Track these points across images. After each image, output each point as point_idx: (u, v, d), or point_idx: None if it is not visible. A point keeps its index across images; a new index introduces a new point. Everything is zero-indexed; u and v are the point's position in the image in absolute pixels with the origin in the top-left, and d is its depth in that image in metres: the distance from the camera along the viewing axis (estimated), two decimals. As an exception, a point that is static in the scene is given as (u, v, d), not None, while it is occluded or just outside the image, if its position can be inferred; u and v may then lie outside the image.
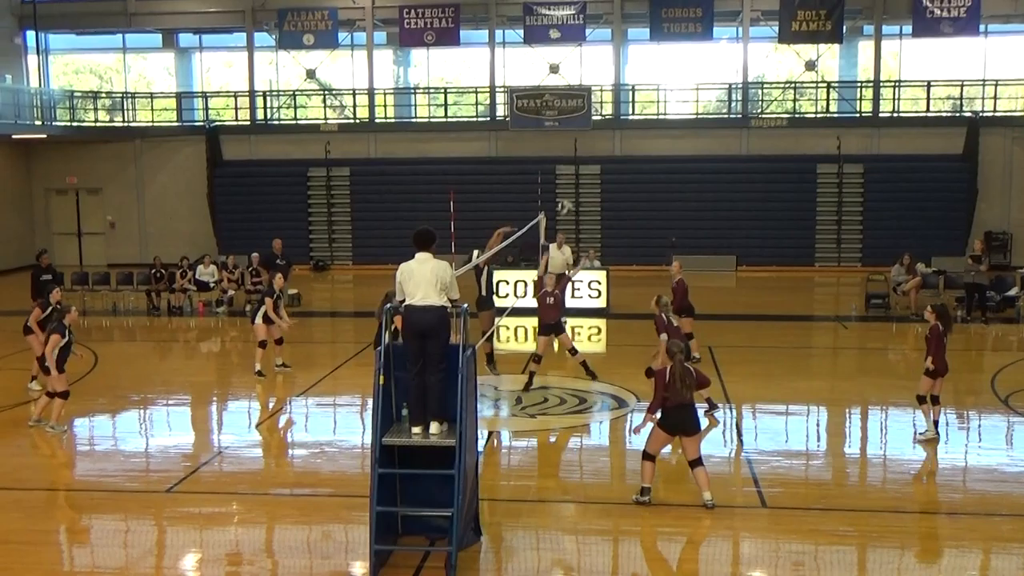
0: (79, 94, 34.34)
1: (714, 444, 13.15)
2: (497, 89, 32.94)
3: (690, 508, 10.56)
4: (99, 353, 18.96)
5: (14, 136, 30.81)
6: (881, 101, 32.10)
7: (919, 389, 12.83)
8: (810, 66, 32.60)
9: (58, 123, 32.13)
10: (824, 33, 31.11)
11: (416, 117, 34.75)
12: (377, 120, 33.54)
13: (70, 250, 33.98)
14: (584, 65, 33.63)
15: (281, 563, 9.54)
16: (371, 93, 33.35)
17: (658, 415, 10.54)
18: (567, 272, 21.93)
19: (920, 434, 12.85)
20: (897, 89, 32.53)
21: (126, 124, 34.27)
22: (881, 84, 32.20)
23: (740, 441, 13.23)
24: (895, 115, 32.11)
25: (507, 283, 22.99)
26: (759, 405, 15.05)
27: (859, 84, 32.98)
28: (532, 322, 19.90)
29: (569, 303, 22.20)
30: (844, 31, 31.36)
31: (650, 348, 17.53)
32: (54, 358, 13.45)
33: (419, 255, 9.29)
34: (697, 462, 10.50)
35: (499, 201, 29.74)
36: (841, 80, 33.59)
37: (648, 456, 10.63)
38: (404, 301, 9.22)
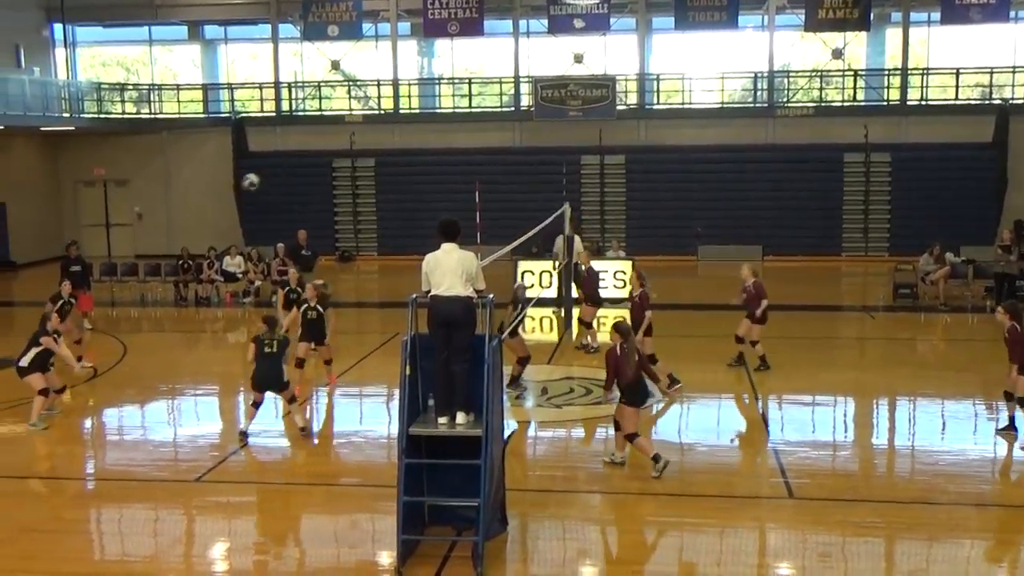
0: (106, 86, 34.57)
1: (740, 435, 13.13)
2: (521, 79, 32.88)
3: (716, 499, 10.54)
4: (127, 343, 19.13)
5: (43, 128, 31.06)
6: (909, 89, 31.80)
7: (1017, 390, 12.27)
8: (837, 54, 32.33)
9: (86, 115, 32.36)
10: (851, 21, 30.83)
11: (440, 108, 34.75)
12: (401, 111, 33.56)
13: (98, 241, 34.23)
14: (608, 54, 33.51)
15: (308, 552, 9.60)
16: (395, 84, 33.38)
17: (617, 394, 11.28)
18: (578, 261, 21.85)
19: (1001, 429, 12.65)
20: (925, 77, 32.22)
21: (153, 116, 34.47)
22: (909, 72, 31.90)
23: (766, 432, 13.17)
24: (923, 103, 31.79)
25: (532, 274, 22.97)
26: (785, 396, 14.98)
27: (887, 72, 32.70)
28: (552, 312, 19.88)
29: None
30: (871, 18, 31.04)
31: (679, 338, 17.49)
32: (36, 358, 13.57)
33: (445, 245, 9.30)
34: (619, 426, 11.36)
35: (524, 192, 29.72)
36: (868, 68, 33.31)
37: (633, 436, 11.15)
38: (430, 292, 9.25)
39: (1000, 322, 12.55)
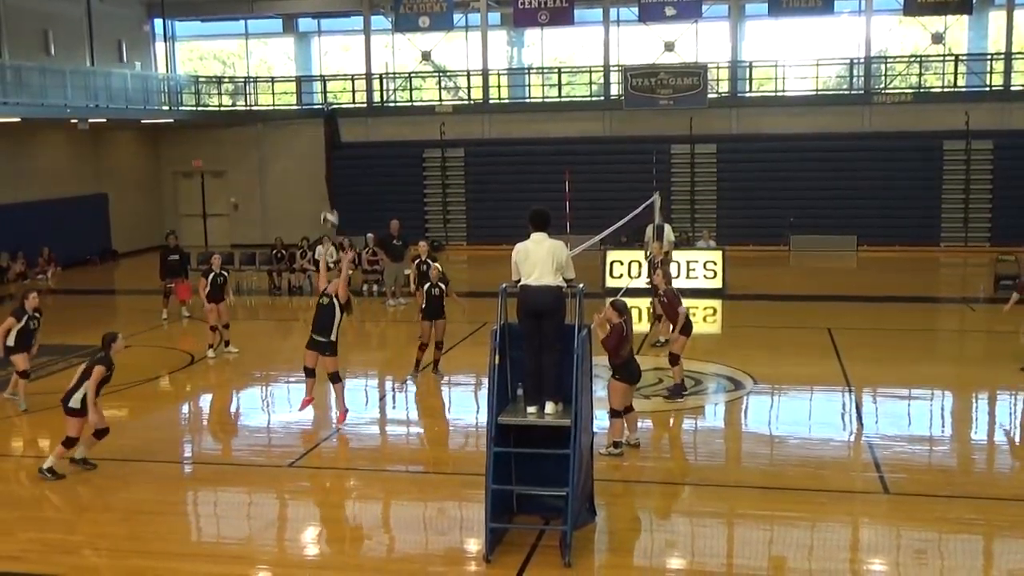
0: (204, 79, 35.37)
1: (834, 428, 12.91)
2: (611, 68, 32.71)
3: (808, 493, 10.39)
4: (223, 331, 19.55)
5: (143, 121, 31.95)
6: (1013, 74, 30.78)
7: None
8: (937, 38, 31.44)
9: (184, 108, 33.17)
10: (952, 4, 29.92)
11: (530, 97, 34.74)
12: (491, 101, 33.65)
13: (196, 231, 35.06)
14: (700, 42, 33.11)
15: (397, 538, 9.72)
16: (485, 74, 33.48)
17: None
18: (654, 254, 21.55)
19: None
20: (1030, 61, 31.17)
21: (248, 108, 35.16)
22: (1013, 56, 30.86)
23: (860, 425, 12.92)
24: (1028, 88, 30.78)
25: (621, 263, 22.86)
26: (880, 389, 14.67)
27: (989, 56, 31.68)
28: (645, 303, 19.75)
29: (685, 283, 21.98)
30: (974, 1, 30.12)
31: (765, 329, 17.27)
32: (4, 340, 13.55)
33: (535, 235, 9.31)
34: (630, 408, 11.56)
35: (613, 181, 29.60)
36: (970, 53, 32.32)
37: (616, 414, 11.35)
38: (520, 281, 9.27)
39: None
